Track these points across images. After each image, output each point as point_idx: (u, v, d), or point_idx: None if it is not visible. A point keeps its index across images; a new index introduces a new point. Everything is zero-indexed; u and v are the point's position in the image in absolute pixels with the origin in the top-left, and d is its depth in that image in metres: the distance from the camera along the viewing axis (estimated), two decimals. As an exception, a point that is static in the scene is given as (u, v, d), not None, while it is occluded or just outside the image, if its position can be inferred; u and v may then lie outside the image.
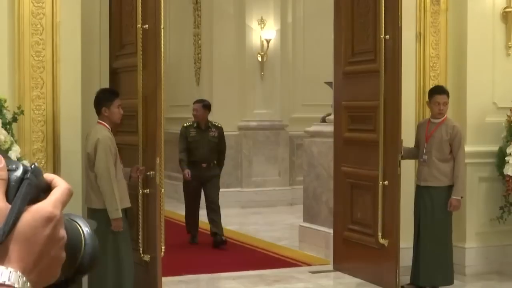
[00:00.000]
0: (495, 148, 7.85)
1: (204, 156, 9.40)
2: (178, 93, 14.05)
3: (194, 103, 9.81)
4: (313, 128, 9.36)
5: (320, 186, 8.74)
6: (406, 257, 7.12)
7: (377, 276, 7.32)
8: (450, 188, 7.02)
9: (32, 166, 1.05)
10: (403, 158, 7.17)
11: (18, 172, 1.03)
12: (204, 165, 9.40)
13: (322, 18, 11.15)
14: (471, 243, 7.89)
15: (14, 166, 1.04)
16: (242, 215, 11.80)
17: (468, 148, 7.50)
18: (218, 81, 13.00)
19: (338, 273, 7.89)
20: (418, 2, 7.86)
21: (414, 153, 7.29)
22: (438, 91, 7.24)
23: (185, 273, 7.88)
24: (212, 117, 12.49)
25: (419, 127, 7.40)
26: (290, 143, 13.39)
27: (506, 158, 7.66)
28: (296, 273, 8.07)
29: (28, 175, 1.03)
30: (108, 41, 7.14)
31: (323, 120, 9.37)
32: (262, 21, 13.49)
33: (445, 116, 7.19)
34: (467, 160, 7.33)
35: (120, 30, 7.03)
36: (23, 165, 1.05)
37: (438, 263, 7.01)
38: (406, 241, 7.15)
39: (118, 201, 6.01)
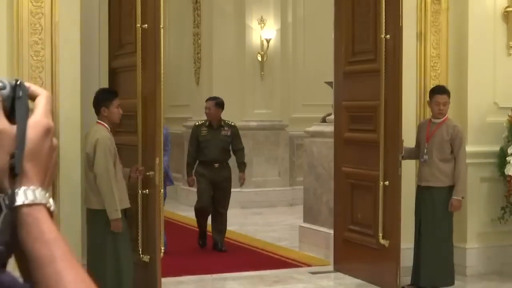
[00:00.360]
0: (496, 148, 7.85)
1: (216, 156, 9.05)
2: (177, 93, 14.06)
3: (206, 100, 9.40)
4: (313, 128, 9.37)
5: (321, 186, 8.74)
6: (407, 257, 7.12)
7: (377, 277, 7.32)
8: (451, 189, 7.02)
9: (18, 83, 1.10)
10: (403, 158, 7.17)
11: (7, 90, 1.08)
12: (216, 165, 9.06)
13: (322, 18, 11.15)
14: (472, 244, 7.89)
15: (1, 84, 1.08)
16: (242, 216, 11.79)
17: (469, 148, 7.50)
18: (218, 81, 13.00)
19: (339, 274, 7.90)
20: (418, 1, 7.86)
21: (415, 153, 7.29)
22: (438, 91, 7.24)
23: (185, 274, 7.88)
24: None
25: (420, 127, 7.40)
26: (290, 143, 13.39)
27: (507, 158, 7.66)
28: (296, 273, 8.07)
29: (20, 93, 1.09)
30: (107, 40, 7.14)
31: (323, 120, 9.37)
32: (262, 21, 13.49)
33: (446, 116, 7.18)
34: (468, 160, 7.34)
35: (119, 29, 7.04)
36: (8, 81, 1.09)
37: (439, 264, 7.01)
38: (407, 242, 7.15)
39: (117, 201, 6.01)
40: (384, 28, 7.21)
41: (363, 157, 7.56)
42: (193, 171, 9.22)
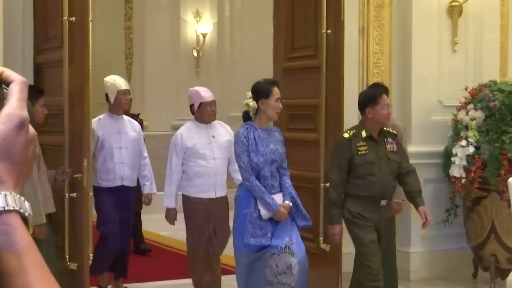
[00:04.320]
0: (441, 148, 7.99)
1: (385, 187, 6.10)
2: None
3: (381, 93, 6.26)
4: (251, 127, 9.39)
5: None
6: (348, 262, 7.20)
7: (318, 282, 7.38)
8: (393, 191, 7.09)
9: None
10: (345, 158, 7.23)
11: None
12: (383, 202, 6.12)
13: (261, 11, 11.21)
14: (416, 248, 8.02)
15: None
16: (178, 220, 11.74)
17: (413, 148, 7.63)
18: (151, 78, 12.98)
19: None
20: (361, -5, 7.98)
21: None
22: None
23: (125, 281, 7.80)
24: (144, 116, 12.47)
25: (362, 126, 7.47)
26: (227, 143, 13.41)
27: (452, 159, 7.80)
28: (235, 281, 8.09)
29: None
30: (32, 34, 7.08)
31: (262, 119, 9.40)
32: (197, 14, 13.52)
33: (387, 115, 7.27)
34: (412, 161, 7.44)
35: (45, 22, 6.98)
36: None
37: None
38: (349, 246, 7.22)
39: (41, 205, 5.95)
40: (325, 22, 7.27)
41: (303, 158, 7.61)
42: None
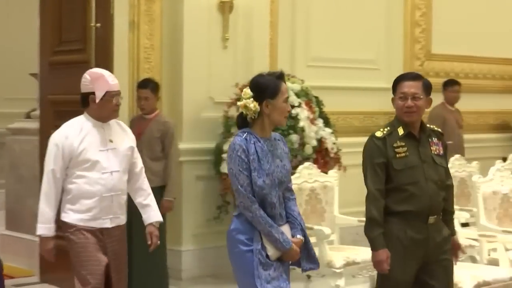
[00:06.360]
0: (212, 145, 8.10)
1: (431, 200, 4.81)
2: None
3: (406, 79, 4.84)
4: (16, 125, 9.19)
5: (24, 188, 8.55)
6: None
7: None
8: (162, 189, 7.13)
9: None
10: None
11: None
12: (432, 219, 4.82)
13: (27, 2, 10.91)
14: (188, 246, 8.10)
15: None
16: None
17: (184, 145, 7.70)
18: None
19: (45, 285, 7.77)
20: (131, -13, 7.93)
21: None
22: (138, 85, 7.36)
23: None
24: None
25: (132, 123, 7.45)
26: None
27: (222, 156, 7.94)
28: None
29: None
30: None
31: (28, 116, 9.21)
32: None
33: (157, 111, 7.31)
34: (183, 158, 7.52)
35: None
36: None
37: (151, 268, 7.10)
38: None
39: None
40: (94, 15, 7.20)
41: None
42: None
